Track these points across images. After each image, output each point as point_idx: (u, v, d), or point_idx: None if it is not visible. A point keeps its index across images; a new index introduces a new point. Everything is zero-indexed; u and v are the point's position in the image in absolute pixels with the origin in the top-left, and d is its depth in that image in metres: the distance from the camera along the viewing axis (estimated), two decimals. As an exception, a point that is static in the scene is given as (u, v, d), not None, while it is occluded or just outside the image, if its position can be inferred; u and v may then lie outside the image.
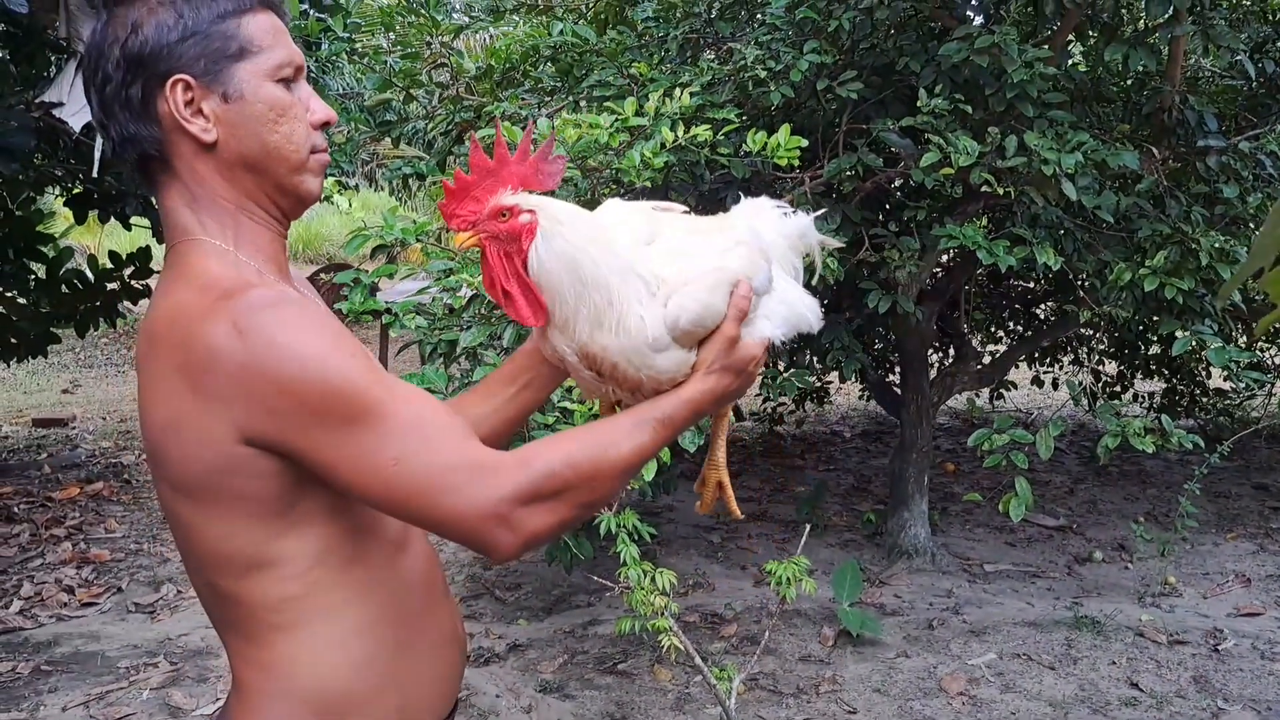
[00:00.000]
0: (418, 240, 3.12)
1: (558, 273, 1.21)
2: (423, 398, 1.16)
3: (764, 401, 6.42)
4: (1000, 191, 3.45)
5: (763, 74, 3.50)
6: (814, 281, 1.56)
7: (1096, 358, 6.76)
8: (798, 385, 3.99)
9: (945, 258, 5.14)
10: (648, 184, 3.18)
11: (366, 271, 3.22)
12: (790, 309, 1.37)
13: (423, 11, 4.20)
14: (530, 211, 1.20)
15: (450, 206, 1.21)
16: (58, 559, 5.20)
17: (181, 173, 1.21)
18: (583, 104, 3.81)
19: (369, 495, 1.13)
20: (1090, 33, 4.28)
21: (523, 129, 3.12)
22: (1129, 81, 4.43)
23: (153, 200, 6.65)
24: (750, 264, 1.30)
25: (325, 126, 1.27)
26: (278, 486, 1.14)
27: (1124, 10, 3.89)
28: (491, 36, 4.98)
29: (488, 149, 1.23)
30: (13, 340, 7.06)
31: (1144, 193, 3.92)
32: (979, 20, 4.03)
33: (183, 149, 1.20)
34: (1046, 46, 3.73)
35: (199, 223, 1.21)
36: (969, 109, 3.54)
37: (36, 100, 4.61)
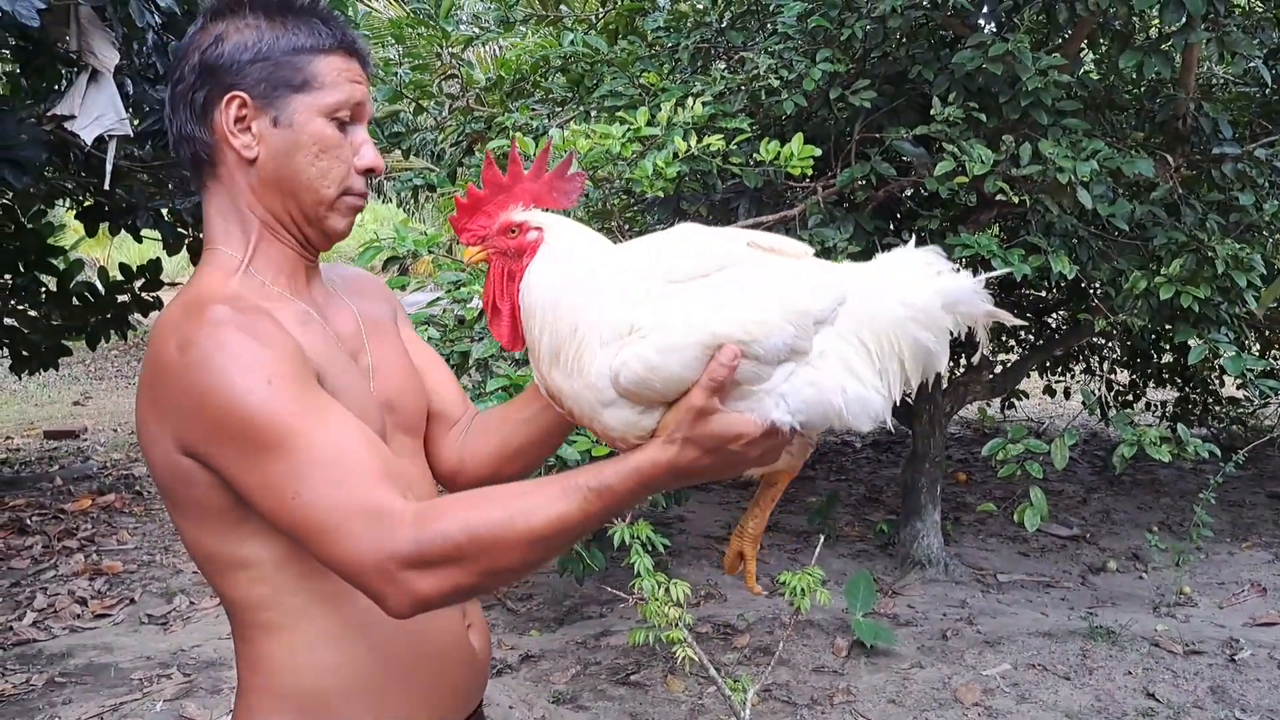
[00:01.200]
0: (429, 252, 3.12)
1: (536, 297, 1.16)
2: (346, 434, 1.13)
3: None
4: (1015, 200, 3.44)
5: (775, 83, 3.50)
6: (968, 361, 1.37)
7: (1109, 366, 6.73)
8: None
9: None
10: (659, 194, 3.17)
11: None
12: (819, 393, 1.11)
13: (432, 23, 4.20)
14: (538, 229, 1.17)
15: (461, 220, 1.20)
16: (70, 571, 5.20)
17: (223, 178, 1.28)
18: (594, 114, 3.81)
19: (277, 524, 1.13)
20: (1103, 40, 4.27)
21: (536, 140, 3.13)
22: (1143, 89, 4.42)
23: (163, 213, 6.69)
24: (757, 324, 1.09)
25: (369, 173, 1.30)
26: (228, 497, 1.17)
27: (1137, 17, 3.88)
28: (502, 48, 4.99)
29: (501, 163, 1.21)
30: (24, 353, 7.08)
31: (1159, 200, 3.91)
32: (992, 28, 4.02)
33: (227, 157, 1.27)
34: (1060, 54, 3.72)
35: (225, 231, 1.30)
36: (983, 117, 3.53)
37: (48, 114, 4.63)
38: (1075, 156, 3.43)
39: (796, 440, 1.18)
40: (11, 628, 4.48)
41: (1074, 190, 3.41)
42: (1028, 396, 6.76)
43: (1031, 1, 3.83)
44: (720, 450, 1.11)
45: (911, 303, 1.17)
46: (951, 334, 1.20)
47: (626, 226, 3.85)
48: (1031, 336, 6.48)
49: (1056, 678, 3.80)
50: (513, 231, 1.17)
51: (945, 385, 5.20)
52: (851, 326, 1.15)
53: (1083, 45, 4.17)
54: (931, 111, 3.51)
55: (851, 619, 4.04)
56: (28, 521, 6.02)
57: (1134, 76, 4.13)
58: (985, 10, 3.93)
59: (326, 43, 1.27)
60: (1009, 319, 1.24)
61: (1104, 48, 4.30)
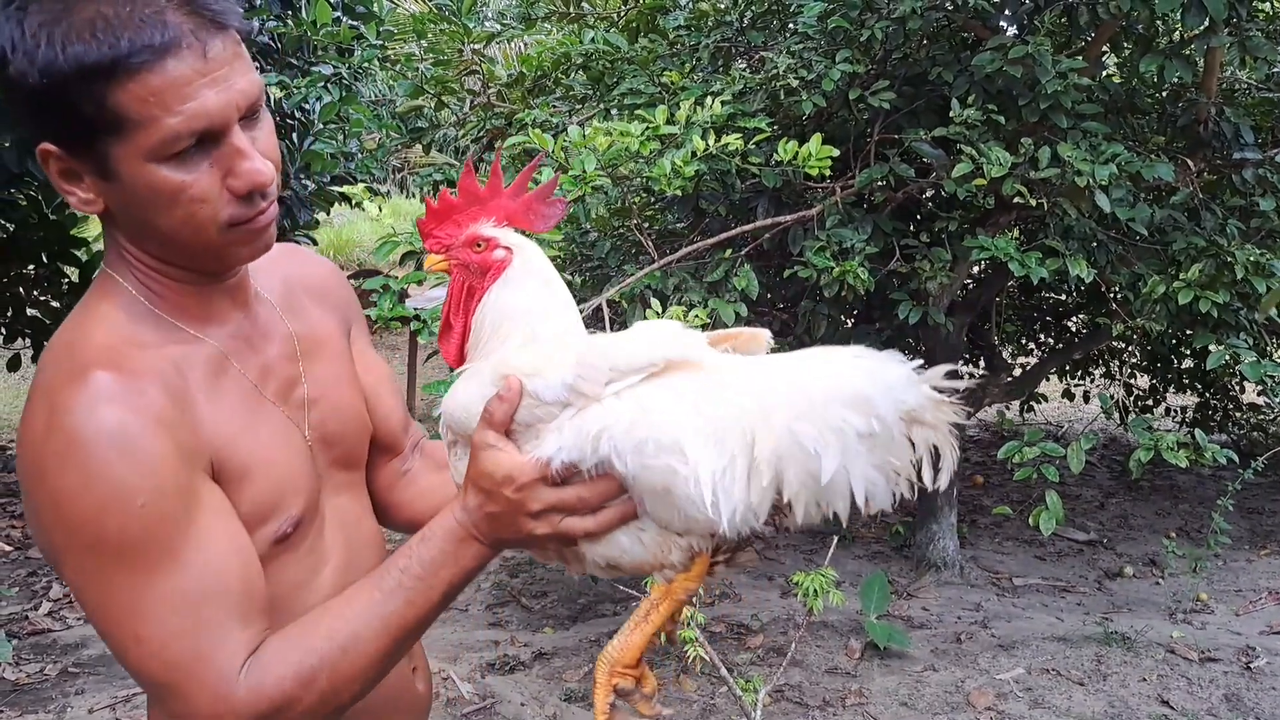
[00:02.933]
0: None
1: (489, 322, 1.11)
2: (209, 571, 1.00)
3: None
4: (1033, 203, 3.42)
5: (794, 83, 3.49)
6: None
7: (1129, 371, 6.68)
8: (826, 396, 3.97)
9: (976, 269, 5.10)
10: (678, 192, 3.17)
11: (396, 278, 3.23)
12: (599, 432, 1.00)
13: (455, 19, 4.22)
14: (508, 249, 1.11)
15: (428, 225, 1.13)
16: (88, 560, 5.24)
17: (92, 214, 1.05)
18: (614, 112, 3.82)
19: (111, 650, 1.01)
20: (1125, 44, 4.24)
21: (555, 137, 3.14)
22: (1164, 93, 4.39)
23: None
24: (546, 359, 1.04)
25: (252, 190, 1.02)
26: None
27: (1159, 21, 3.86)
28: (526, 45, 5.00)
29: (486, 174, 1.15)
30: (45, 343, 7.13)
31: (1179, 205, 3.88)
32: (1012, 31, 4.01)
33: None
34: (1081, 57, 3.70)
35: (115, 259, 1.08)
36: (1002, 120, 3.52)
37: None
38: (1094, 160, 3.41)
39: (676, 547, 1.04)
40: (27, 617, 4.52)
41: (1092, 194, 3.39)
42: (1047, 400, 6.71)
43: (1052, 4, 3.82)
44: (497, 495, 1.03)
45: (829, 395, 1.01)
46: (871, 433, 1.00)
47: (646, 225, 3.86)
48: (1051, 340, 6.44)
49: (1070, 683, 3.78)
50: (479, 245, 1.11)
51: (962, 388, 5.18)
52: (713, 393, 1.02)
53: (1104, 49, 4.15)
54: (950, 113, 3.50)
55: (865, 621, 4.03)
56: (47, 511, 6.07)
57: (1155, 80, 4.11)
58: (1006, 13, 3.91)
59: (119, 57, 0.91)
60: (947, 415, 1.04)
61: (1126, 51, 4.27)
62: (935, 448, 1.03)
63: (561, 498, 1.03)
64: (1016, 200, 3.46)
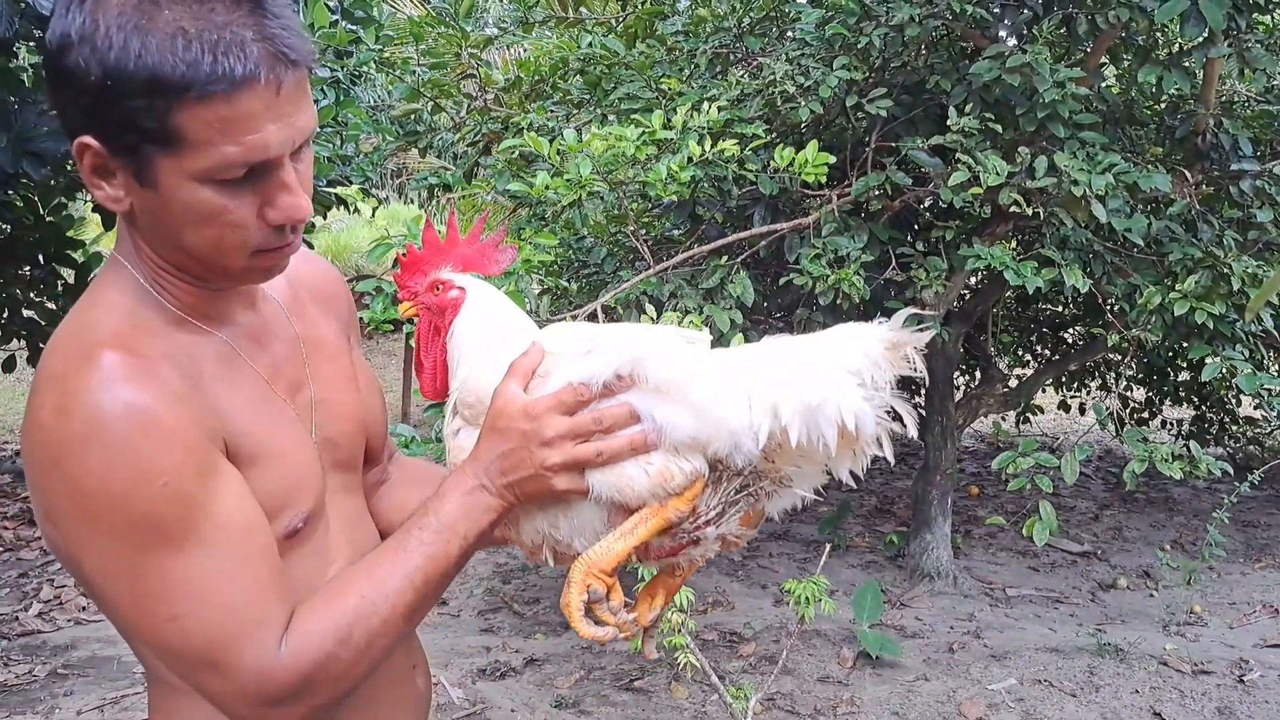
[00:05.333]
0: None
1: (459, 350, 1.22)
2: (236, 545, 1.00)
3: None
4: (1029, 212, 3.42)
5: (792, 89, 3.49)
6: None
7: (1125, 383, 6.68)
8: (821, 403, 3.96)
9: (973, 279, 5.10)
10: (674, 197, 3.17)
11: (389, 281, 3.22)
12: (613, 353, 1.12)
13: (453, 23, 4.22)
14: (460, 289, 1.22)
15: (402, 278, 1.24)
16: (78, 562, 5.22)
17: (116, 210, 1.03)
18: (610, 117, 3.81)
19: (140, 639, 1.02)
20: (1124, 54, 4.25)
21: (550, 141, 3.13)
22: (1163, 104, 4.39)
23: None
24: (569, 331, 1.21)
25: (293, 224, 1.02)
26: None
27: (1158, 32, 3.86)
28: (524, 49, 5.00)
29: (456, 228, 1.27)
30: (40, 345, 7.12)
31: (1176, 216, 3.88)
32: (1011, 40, 4.01)
33: None
34: (1079, 67, 3.71)
35: (129, 249, 1.06)
36: (999, 129, 3.52)
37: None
38: (1091, 170, 3.41)
39: (680, 471, 1.11)
40: (17, 618, 4.50)
41: (1089, 204, 3.39)
42: (1043, 411, 6.72)
43: (1051, 14, 3.82)
44: (511, 430, 1.09)
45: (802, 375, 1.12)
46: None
47: (643, 231, 3.85)
48: (1047, 351, 6.44)
49: (1063, 694, 3.77)
50: (438, 289, 1.23)
51: (959, 398, 5.17)
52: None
53: (1103, 59, 4.15)
54: (948, 122, 3.49)
55: (858, 630, 4.02)
56: (39, 512, 6.05)
57: (1154, 91, 4.11)
58: (1005, 22, 3.91)
59: (195, 79, 0.89)
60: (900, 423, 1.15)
61: (1124, 62, 4.28)
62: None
63: (576, 422, 1.08)
64: (1013, 209, 3.46)
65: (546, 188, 2.98)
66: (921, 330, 1.14)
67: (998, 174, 3.30)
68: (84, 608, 4.65)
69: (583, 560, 1.12)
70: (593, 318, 3.21)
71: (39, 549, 5.42)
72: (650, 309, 2.94)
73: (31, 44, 6.16)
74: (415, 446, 2.84)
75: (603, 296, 3.32)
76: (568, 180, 2.99)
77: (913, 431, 1.14)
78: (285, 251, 1.05)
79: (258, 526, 1.04)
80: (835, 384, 1.09)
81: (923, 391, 5.69)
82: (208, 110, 0.90)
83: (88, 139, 0.94)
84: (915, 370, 1.13)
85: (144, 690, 3.80)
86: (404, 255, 1.24)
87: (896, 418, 1.14)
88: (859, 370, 1.11)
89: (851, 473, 1.16)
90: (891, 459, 1.12)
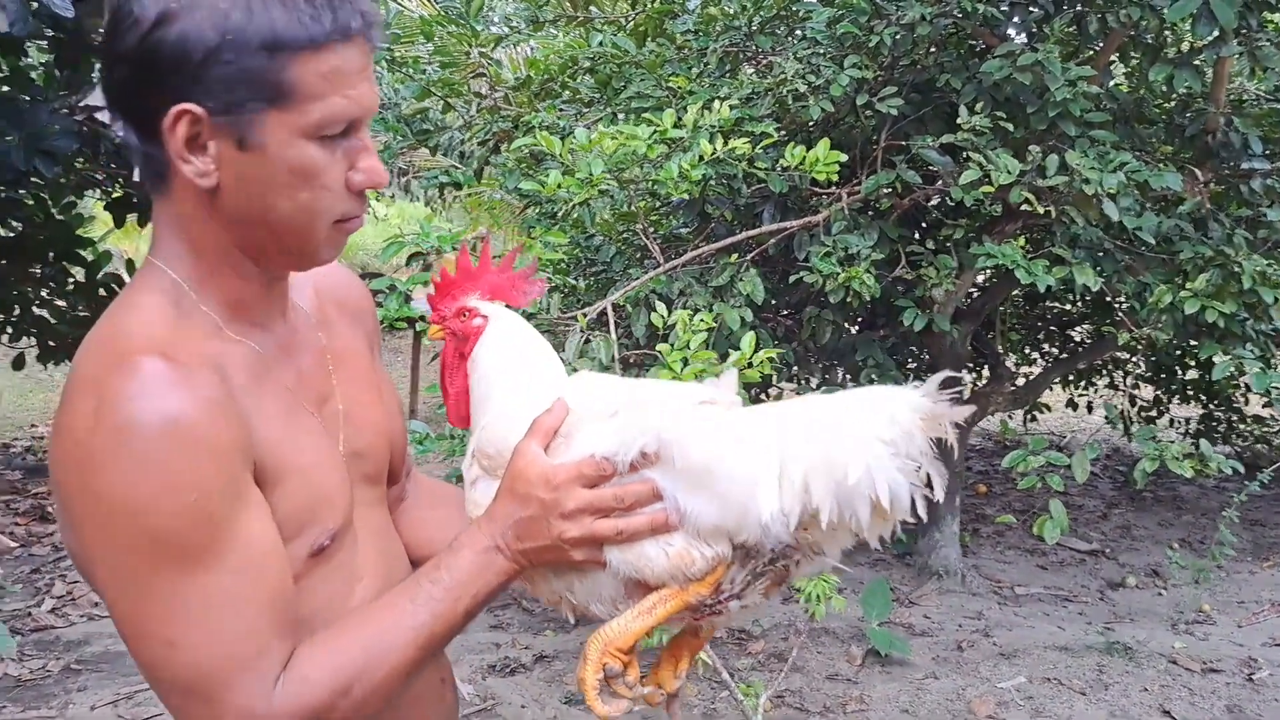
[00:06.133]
0: (452, 249, 3.13)
1: (480, 380, 1.21)
2: (249, 575, 0.98)
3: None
4: (1040, 210, 3.42)
5: (802, 88, 3.49)
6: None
7: (1133, 381, 6.67)
8: (830, 402, 3.96)
9: (981, 277, 5.10)
10: (685, 196, 3.17)
11: (401, 280, 3.23)
12: (638, 426, 1.08)
13: (463, 22, 4.22)
14: (485, 317, 1.22)
15: (434, 301, 1.25)
16: (90, 558, 5.24)
17: (173, 196, 1.02)
18: (620, 116, 3.82)
19: (131, 653, 0.99)
20: (1134, 53, 4.24)
21: (562, 139, 3.14)
22: (1173, 103, 4.38)
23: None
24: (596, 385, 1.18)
25: (374, 188, 1.06)
26: None
27: (1169, 30, 3.85)
28: (533, 48, 5.01)
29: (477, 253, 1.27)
30: (50, 343, 7.16)
31: (1186, 215, 3.88)
32: (1021, 39, 4.00)
33: (180, 176, 0.99)
34: (1089, 66, 3.70)
35: (173, 251, 1.05)
36: (1010, 127, 3.52)
37: (80, 104, 4.67)
38: (1102, 168, 3.40)
39: (701, 556, 1.08)
40: (30, 614, 4.52)
41: (1100, 202, 3.39)
42: (1050, 410, 6.70)
43: (1062, 12, 3.81)
44: (531, 498, 1.06)
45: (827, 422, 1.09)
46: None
47: (652, 229, 3.86)
48: (1055, 349, 6.43)
49: (1072, 692, 3.77)
50: (465, 315, 1.23)
51: (966, 396, 5.17)
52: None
53: (1113, 57, 4.15)
54: (958, 120, 3.49)
55: (867, 628, 4.03)
56: (49, 509, 6.07)
57: (1164, 90, 4.10)
58: (1015, 20, 3.91)
59: (313, 33, 0.94)
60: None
61: (1134, 60, 4.27)
62: (941, 443, 1.09)
63: (597, 496, 1.05)
64: (1024, 208, 3.45)
65: (558, 186, 2.99)
66: (958, 402, 1.10)
67: (1009, 172, 3.30)
68: (96, 604, 4.67)
69: (599, 637, 1.09)
70: (602, 316, 3.22)
71: (51, 545, 5.44)
72: (660, 307, 2.95)
73: (43, 43, 6.19)
74: (429, 443, 2.85)
75: (612, 294, 3.33)
76: (579, 179, 3.00)
77: (940, 495, 1.09)
78: (357, 224, 1.07)
79: (273, 557, 1.01)
80: (869, 458, 1.04)
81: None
82: (321, 62, 0.95)
83: (189, 105, 0.94)
84: (948, 439, 1.09)
85: (156, 686, 3.83)
86: (437, 279, 1.24)
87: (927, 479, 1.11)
88: (893, 441, 1.06)
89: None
90: (925, 518, 1.09)
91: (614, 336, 3.07)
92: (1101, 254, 3.97)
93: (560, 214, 3.51)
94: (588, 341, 2.98)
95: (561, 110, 4.09)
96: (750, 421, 1.11)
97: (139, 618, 0.96)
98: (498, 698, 3.70)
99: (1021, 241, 4.32)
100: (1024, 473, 3.47)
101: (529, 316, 2.45)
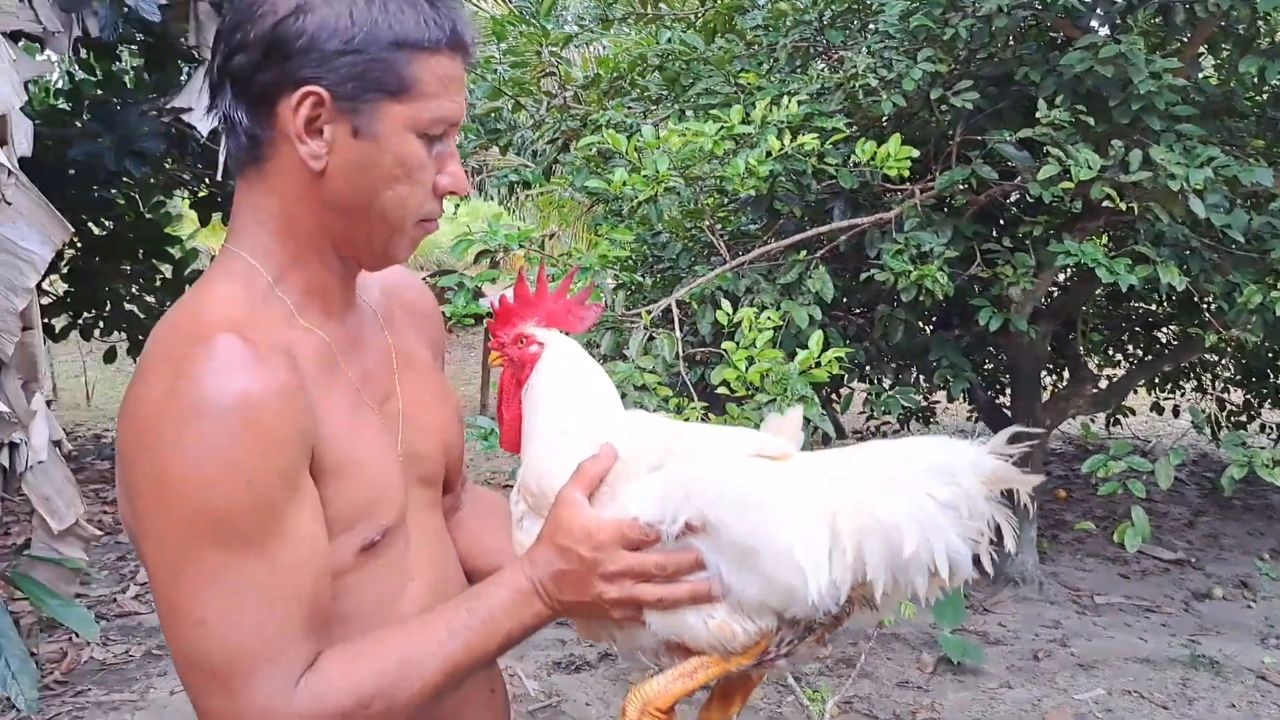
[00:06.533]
0: (520, 246, 3.14)
1: (530, 410, 1.21)
2: (289, 570, 0.98)
3: (866, 419, 6.28)
4: (1123, 207, 3.30)
5: (874, 82, 3.43)
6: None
7: (1222, 385, 6.43)
8: (903, 404, 3.90)
9: (1062, 276, 4.96)
10: (752, 192, 3.14)
11: (470, 276, 3.26)
12: (681, 491, 1.03)
13: (534, 21, 4.24)
14: (541, 345, 1.21)
15: (494, 327, 1.25)
16: (172, 547, 5.39)
17: (269, 177, 1.06)
18: (688, 112, 3.79)
19: (163, 627, 0.99)
20: (1223, 44, 4.08)
21: (629, 138, 3.13)
22: (1264, 95, 4.20)
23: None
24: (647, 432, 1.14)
25: (448, 194, 1.11)
26: None
27: (1261, 21, 3.69)
28: (604, 47, 5.01)
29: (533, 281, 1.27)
30: (140, 337, 7.40)
31: (1277, 211, 3.71)
32: (1103, 30, 3.88)
33: (284, 160, 1.04)
34: (1176, 58, 3.57)
35: (255, 236, 1.09)
36: (1091, 121, 3.40)
37: (167, 106, 4.81)
38: (1189, 163, 3.28)
39: (744, 630, 1.04)
40: (115, 599, 4.67)
41: (1186, 199, 3.27)
42: (1134, 413, 6.50)
43: (1147, 3, 3.68)
44: (572, 553, 1.04)
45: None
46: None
47: (719, 227, 3.83)
48: (1139, 351, 6.23)
49: (1154, 706, 3.64)
50: (522, 342, 1.22)
51: (1046, 398, 5.04)
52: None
53: (1201, 49, 3.99)
54: (1037, 114, 3.39)
55: (939, 634, 3.94)
56: (136, 499, 6.27)
57: (1255, 82, 3.94)
58: (1098, 11, 3.79)
59: (435, 37, 1.02)
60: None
61: (1224, 52, 4.11)
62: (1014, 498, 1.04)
63: (640, 561, 1.03)
64: (1105, 204, 3.34)
65: (624, 184, 2.98)
66: (1027, 472, 1.03)
67: (1090, 168, 3.20)
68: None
69: (638, 695, 1.07)
70: (667, 313, 3.20)
71: (135, 534, 5.62)
72: (726, 304, 2.92)
73: (134, 47, 6.40)
74: (493, 439, 2.87)
75: (677, 292, 3.30)
76: (645, 176, 2.98)
77: (1011, 546, 1.04)
78: (434, 226, 1.12)
79: (315, 557, 1.02)
80: (926, 527, 0.99)
81: (1008, 391, 5.55)
82: (437, 65, 1.03)
83: (315, 88, 1.00)
84: (1019, 495, 1.04)
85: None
86: (497, 306, 1.24)
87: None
88: (953, 504, 1.00)
89: None
90: (993, 573, 1.05)
91: (678, 334, 3.05)
92: (1188, 252, 3.83)
93: (627, 211, 3.50)
94: (651, 339, 2.97)
95: (630, 108, 4.08)
96: (800, 485, 1.05)
97: (176, 593, 0.97)
98: (562, 695, 3.70)
99: (1103, 239, 4.18)
100: (1105, 478, 3.36)
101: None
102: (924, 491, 1.00)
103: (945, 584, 1.02)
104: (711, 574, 1.03)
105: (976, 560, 1.03)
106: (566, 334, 1.24)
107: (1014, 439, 1.03)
